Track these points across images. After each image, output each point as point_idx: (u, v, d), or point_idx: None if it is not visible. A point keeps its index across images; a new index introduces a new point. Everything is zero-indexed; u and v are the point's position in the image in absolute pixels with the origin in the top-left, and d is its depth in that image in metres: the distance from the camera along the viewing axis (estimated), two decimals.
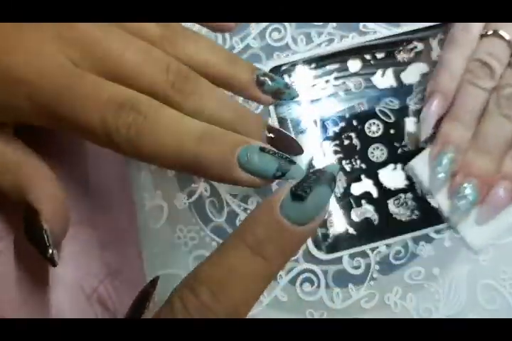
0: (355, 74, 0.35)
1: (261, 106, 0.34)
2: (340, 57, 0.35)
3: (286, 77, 0.35)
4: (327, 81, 0.35)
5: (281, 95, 0.27)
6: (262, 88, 0.26)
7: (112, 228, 0.29)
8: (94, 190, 0.28)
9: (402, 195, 0.33)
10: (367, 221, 0.33)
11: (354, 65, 0.35)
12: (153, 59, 0.22)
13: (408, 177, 0.33)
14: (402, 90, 0.35)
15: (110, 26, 0.22)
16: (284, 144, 0.26)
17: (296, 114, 0.34)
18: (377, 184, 0.33)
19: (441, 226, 0.32)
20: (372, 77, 0.35)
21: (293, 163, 0.20)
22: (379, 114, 0.34)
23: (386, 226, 0.33)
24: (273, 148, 0.21)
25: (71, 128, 0.21)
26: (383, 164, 0.34)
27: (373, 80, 0.35)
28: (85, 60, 0.21)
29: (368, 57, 0.35)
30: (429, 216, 0.33)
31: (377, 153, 0.34)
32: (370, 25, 0.35)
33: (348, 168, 0.34)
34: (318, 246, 0.32)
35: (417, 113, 0.34)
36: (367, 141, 0.34)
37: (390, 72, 0.35)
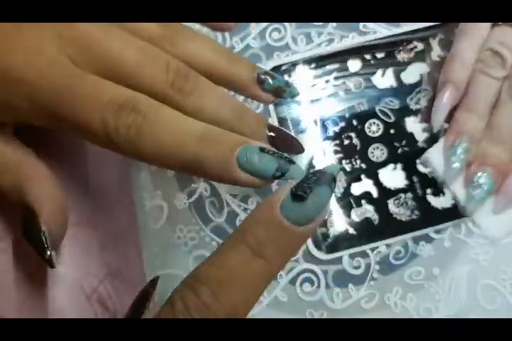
0: (355, 74, 0.35)
1: (261, 106, 0.34)
2: (340, 57, 0.35)
3: (286, 76, 0.35)
4: (327, 81, 0.35)
5: (282, 93, 0.27)
6: (262, 86, 0.26)
7: (112, 228, 0.29)
8: (94, 190, 0.28)
9: (402, 195, 0.33)
10: (367, 221, 0.33)
11: (354, 64, 0.35)
12: (152, 58, 0.22)
13: (408, 177, 0.33)
14: (402, 90, 0.34)
15: (110, 26, 0.22)
16: (284, 143, 0.26)
17: (296, 113, 0.34)
18: (378, 184, 0.33)
19: (441, 226, 0.32)
20: (372, 76, 0.35)
21: (292, 163, 0.20)
22: (379, 114, 0.34)
23: (386, 226, 0.33)
24: (273, 148, 0.21)
25: (71, 129, 0.21)
26: (383, 164, 0.34)
27: (373, 80, 0.35)
28: (85, 59, 0.21)
29: (368, 57, 0.35)
30: (429, 216, 0.33)
31: (378, 152, 0.34)
32: (370, 25, 0.35)
33: (348, 167, 0.34)
34: (318, 246, 0.32)
35: (417, 113, 0.34)
36: (367, 141, 0.34)
37: (390, 71, 0.35)
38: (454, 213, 0.33)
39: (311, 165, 0.34)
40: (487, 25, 0.32)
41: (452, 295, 0.32)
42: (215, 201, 0.34)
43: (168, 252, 0.33)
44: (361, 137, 0.34)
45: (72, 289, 0.25)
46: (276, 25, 0.35)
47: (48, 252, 0.21)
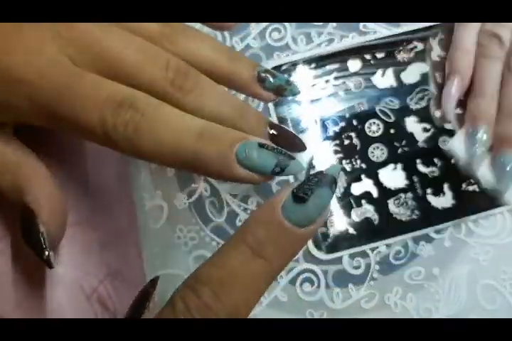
0: (355, 74, 0.35)
1: (261, 106, 0.34)
2: (340, 57, 0.35)
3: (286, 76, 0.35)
4: (327, 81, 0.35)
5: (283, 92, 0.26)
6: (263, 85, 0.26)
7: (111, 228, 0.29)
8: (94, 190, 0.28)
9: (403, 195, 0.33)
10: (367, 221, 0.33)
11: (354, 64, 0.35)
12: (152, 56, 0.22)
13: (408, 177, 0.33)
14: (402, 90, 0.34)
15: (110, 26, 0.22)
16: (286, 141, 0.25)
17: (296, 113, 0.34)
18: (378, 184, 0.33)
19: (441, 226, 0.32)
20: (373, 76, 0.35)
21: (292, 158, 0.20)
22: (379, 114, 0.34)
23: (386, 226, 0.33)
24: (272, 144, 0.21)
25: (71, 128, 0.21)
26: (383, 164, 0.34)
27: (373, 80, 0.35)
28: (85, 59, 0.21)
29: (368, 57, 0.35)
30: (429, 216, 0.33)
31: (378, 152, 0.34)
32: (370, 25, 0.35)
33: (348, 167, 0.34)
34: (318, 246, 0.32)
35: (417, 112, 0.34)
36: (367, 141, 0.34)
37: (390, 71, 0.35)
38: (454, 213, 0.33)
39: (311, 165, 0.34)
40: None
41: (452, 295, 0.32)
42: (215, 201, 0.34)
43: (168, 252, 0.33)
44: (361, 137, 0.34)
45: (72, 289, 0.25)
46: (276, 25, 0.35)
47: (46, 253, 0.21)
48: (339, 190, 0.33)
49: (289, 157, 0.20)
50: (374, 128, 0.34)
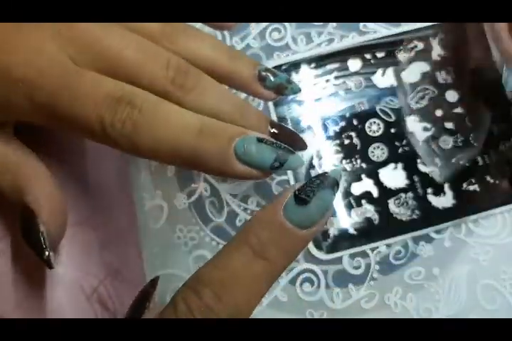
0: (356, 73, 0.35)
1: (261, 106, 0.34)
2: (341, 56, 0.35)
3: None
4: (327, 80, 0.35)
5: (284, 90, 0.26)
6: (263, 83, 0.26)
7: (111, 228, 0.29)
8: (94, 190, 0.28)
9: (403, 195, 0.33)
10: (367, 221, 0.33)
11: (354, 64, 0.35)
12: (153, 55, 0.22)
13: (409, 177, 0.33)
14: (402, 89, 0.34)
15: (110, 25, 0.22)
16: (287, 139, 0.25)
17: (296, 113, 0.34)
18: (378, 183, 0.33)
19: (441, 226, 0.32)
20: (373, 76, 0.35)
21: (292, 152, 0.20)
22: (379, 113, 0.34)
23: (386, 226, 0.33)
24: (271, 139, 0.20)
25: (71, 128, 0.21)
26: (384, 163, 0.34)
27: (374, 79, 0.35)
28: (86, 58, 0.21)
29: (368, 56, 0.35)
30: (429, 216, 0.33)
31: (378, 152, 0.34)
32: (370, 25, 0.35)
33: (348, 167, 0.34)
34: (318, 246, 0.32)
35: (418, 112, 0.34)
36: (367, 141, 0.34)
37: (390, 71, 0.35)
38: (455, 213, 0.33)
39: (311, 165, 0.34)
40: None
41: (452, 295, 0.32)
42: (215, 201, 0.34)
43: (168, 252, 0.33)
44: (361, 136, 0.34)
45: (72, 289, 0.25)
46: (276, 25, 0.35)
47: (47, 253, 0.21)
48: (339, 190, 0.33)
49: (289, 151, 0.20)
50: (374, 127, 0.34)
